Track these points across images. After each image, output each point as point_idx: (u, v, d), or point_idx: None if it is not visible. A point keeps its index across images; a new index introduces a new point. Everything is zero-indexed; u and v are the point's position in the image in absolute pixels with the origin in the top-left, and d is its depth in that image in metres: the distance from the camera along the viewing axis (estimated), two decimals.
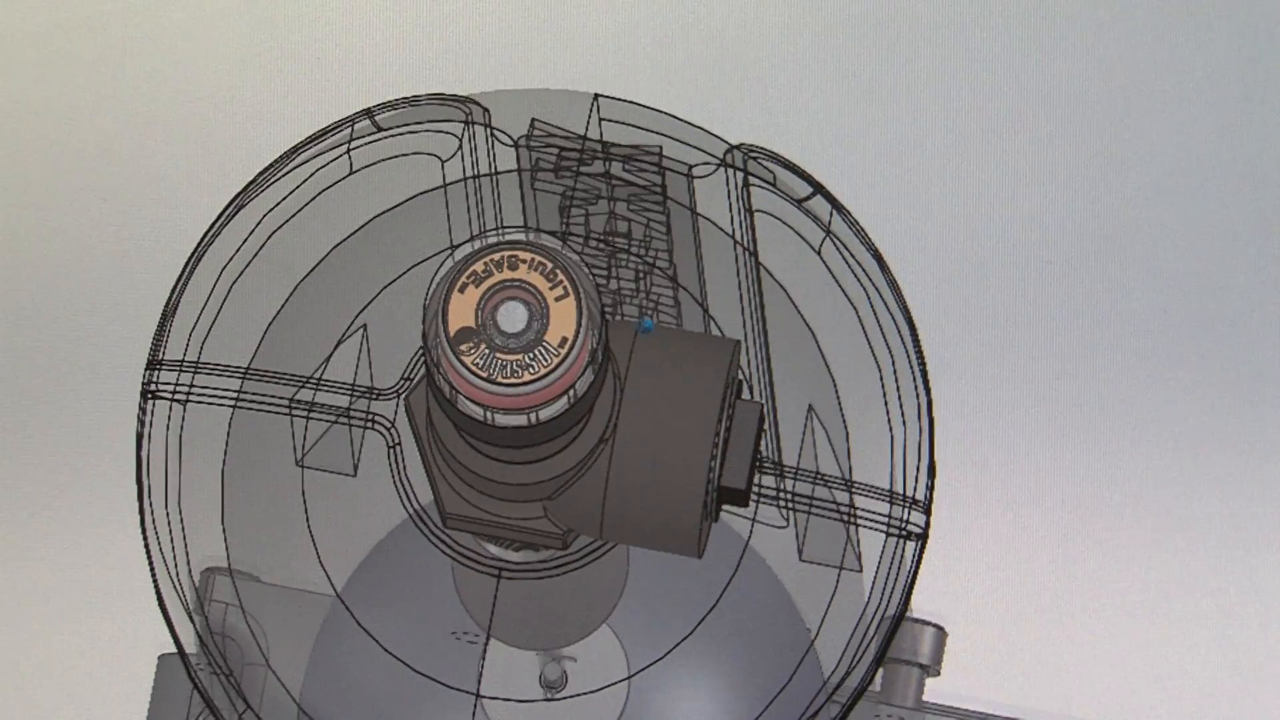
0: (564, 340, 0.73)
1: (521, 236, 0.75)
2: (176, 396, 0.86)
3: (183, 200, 1.24)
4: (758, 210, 0.88)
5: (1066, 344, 1.24)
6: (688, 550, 0.80)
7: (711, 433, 0.78)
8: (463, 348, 0.73)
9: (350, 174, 0.88)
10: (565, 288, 0.74)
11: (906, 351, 0.86)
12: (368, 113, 0.87)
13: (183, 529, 0.87)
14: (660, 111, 0.89)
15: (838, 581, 0.88)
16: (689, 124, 0.88)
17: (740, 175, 0.87)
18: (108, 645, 1.17)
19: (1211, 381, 1.23)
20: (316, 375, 0.85)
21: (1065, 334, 1.24)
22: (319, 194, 0.88)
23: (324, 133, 0.88)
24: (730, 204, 0.88)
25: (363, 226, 0.90)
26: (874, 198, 1.25)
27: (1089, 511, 1.21)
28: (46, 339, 1.22)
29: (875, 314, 0.87)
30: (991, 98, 1.26)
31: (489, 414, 0.74)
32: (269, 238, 0.88)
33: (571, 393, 0.74)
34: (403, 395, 0.82)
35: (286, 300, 0.90)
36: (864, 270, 0.87)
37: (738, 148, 0.88)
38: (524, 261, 0.74)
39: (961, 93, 1.27)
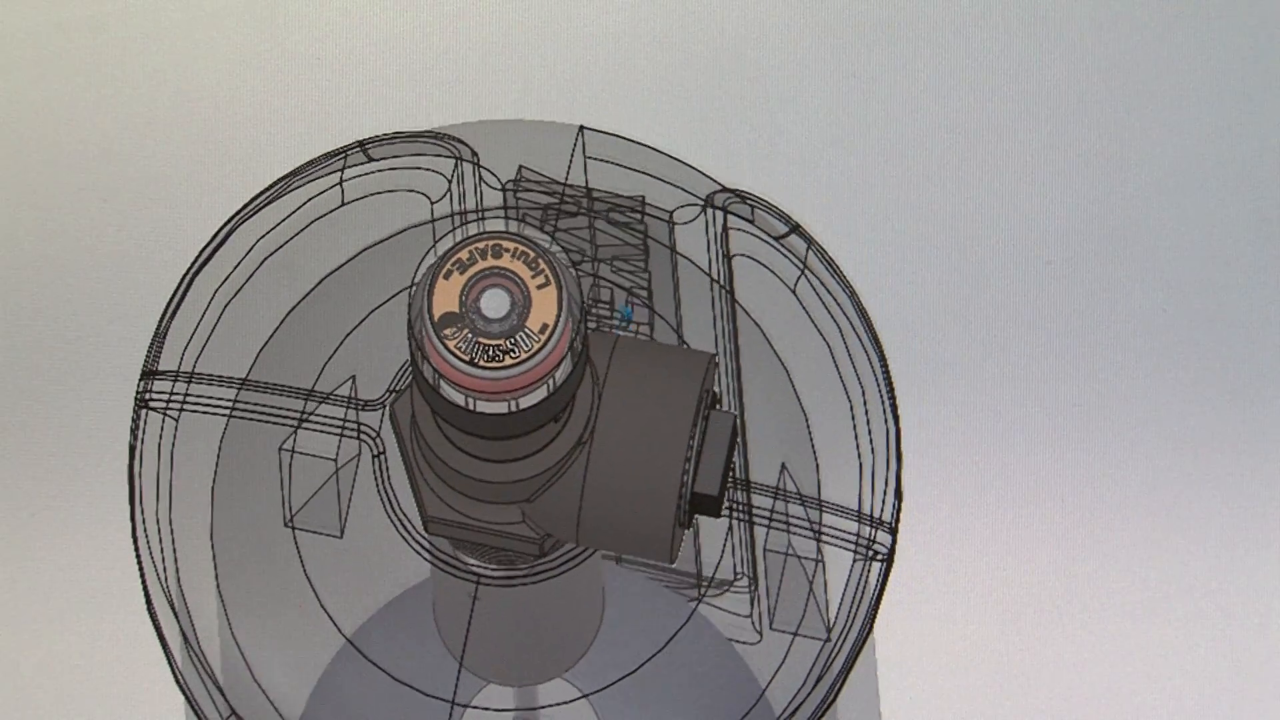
0: (544, 326, 0.75)
1: (505, 227, 0.77)
2: (170, 408, 0.87)
3: (183, 201, 1.24)
4: (736, 255, 0.90)
5: (1066, 344, 1.24)
6: (661, 555, 0.82)
7: (686, 437, 0.80)
8: (446, 332, 0.75)
9: (342, 205, 0.90)
10: (547, 276, 0.76)
11: (877, 383, 0.88)
12: (360, 145, 0.89)
13: (173, 541, 0.89)
14: (645, 146, 0.91)
15: (802, 620, 0.90)
16: (673, 159, 0.91)
17: (720, 218, 0.90)
18: (108, 645, 1.17)
19: (1211, 381, 1.23)
20: (308, 388, 0.87)
21: (1065, 334, 1.24)
22: (310, 223, 0.91)
23: (319, 162, 0.90)
24: (709, 248, 0.90)
25: (352, 259, 0.92)
26: (873, 198, 1.25)
27: (1089, 511, 1.21)
28: (46, 339, 1.22)
29: (848, 347, 0.89)
30: (991, 98, 1.26)
31: (470, 400, 0.75)
32: (261, 263, 0.90)
33: (551, 382, 0.76)
34: (388, 403, 0.84)
35: (276, 329, 0.92)
36: (838, 305, 0.89)
37: (719, 192, 0.90)
38: (507, 250, 0.76)
39: (961, 93, 1.27)
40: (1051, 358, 1.23)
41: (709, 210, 0.90)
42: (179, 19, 1.27)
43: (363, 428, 0.86)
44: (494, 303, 0.76)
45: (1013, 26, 1.27)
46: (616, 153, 0.90)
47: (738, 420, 0.82)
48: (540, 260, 0.76)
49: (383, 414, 0.86)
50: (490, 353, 0.75)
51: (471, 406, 0.76)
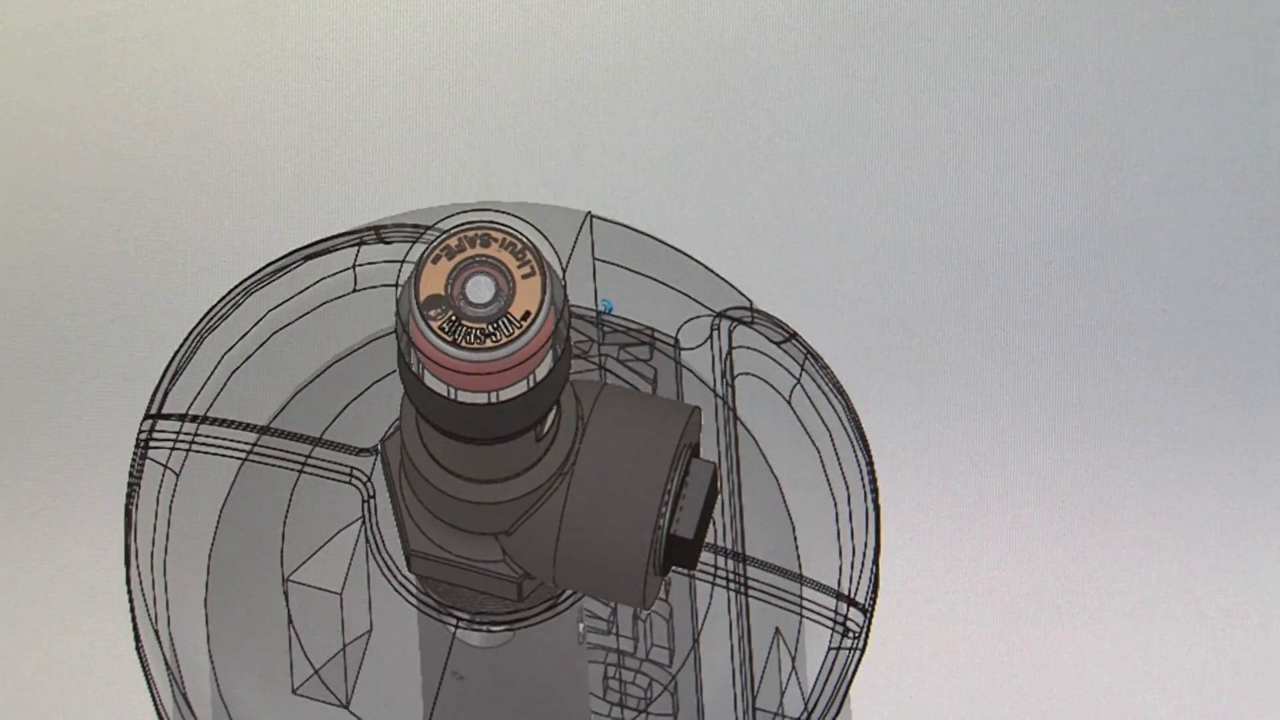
0: (527, 314, 0.78)
1: (495, 218, 0.80)
2: (178, 447, 0.90)
3: (183, 201, 1.25)
4: (740, 374, 0.94)
5: (1066, 344, 1.24)
6: (633, 599, 0.83)
7: (664, 478, 0.82)
8: (431, 313, 0.77)
9: (354, 291, 0.93)
10: (532, 266, 0.78)
11: (861, 477, 0.91)
12: (375, 232, 0.93)
13: (165, 586, 0.91)
14: (653, 238, 0.95)
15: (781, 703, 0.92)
16: (681, 252, 0.94)
17: (727, 336, 0.93)
18: (108, 645, 1.17)
19: (1211, 381, 1.23)
20: (317, 436, 0.91)
21: (1065, 333, 1.24)
22: (320, 305, 0.94)
23: (335, 240, 0.93)
24: (714, 366, 0.95)
25: (362, 346, 0.95)
26: (873, 198, 1.25)
27: (1089, 511, 1.21)
28: (46, 339, 1.22)
29: (836, 449, 0.92)
30: (991, 98, 1.27)
31: (452, 390, 0.77)
32: (268, 338, 0.93)
33: (531, 377, 0.77)
34: (380, 441, 0.87)
35: (283, 407, 0.95)
36: (831, 407, 0.92)
37: (729, 309, 0.93)
38: (496, 240, 0.78)
39: (961, 93, 1.27)
40: (1051, 358, 1.23)
41: (716, 328, 0.93)
42: (179, 19, 1.27)
43: (354, 471, 0.90)
44: (479, 288, 0.78)
45: (1013, 26, 1.27)
46: (625, 249, 0.95)
47: (717, 468, 0.85)
48: (527, 251, 0.78)
49: (374, 460, 0.90)
50: (473, 335, 0.77)
51: (453, 396, 0.77)
